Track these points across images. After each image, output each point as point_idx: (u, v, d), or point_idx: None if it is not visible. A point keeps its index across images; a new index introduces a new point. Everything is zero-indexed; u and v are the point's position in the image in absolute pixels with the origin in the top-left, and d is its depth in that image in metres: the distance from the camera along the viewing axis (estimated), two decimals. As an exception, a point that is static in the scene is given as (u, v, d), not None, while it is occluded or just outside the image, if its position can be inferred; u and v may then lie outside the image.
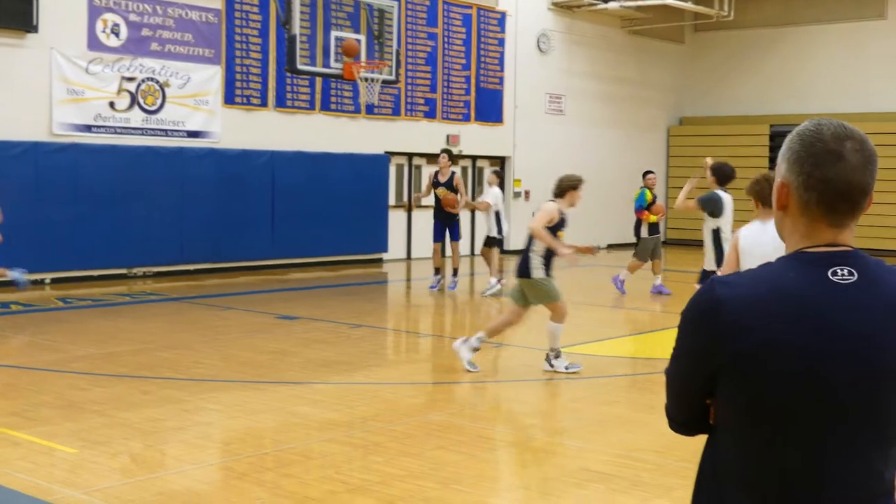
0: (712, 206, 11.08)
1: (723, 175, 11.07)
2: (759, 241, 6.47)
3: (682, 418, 2.37)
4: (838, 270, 2.15)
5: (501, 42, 24.72)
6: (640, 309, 15.75)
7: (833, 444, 2.14)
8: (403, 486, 6.48)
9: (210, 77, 19.12)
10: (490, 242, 17.03)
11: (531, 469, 7.16)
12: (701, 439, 2.37)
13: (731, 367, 2.15)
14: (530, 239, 9.96)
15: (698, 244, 13.51)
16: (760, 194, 6.75)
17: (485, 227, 17.64)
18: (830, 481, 2.15)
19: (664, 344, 10.98)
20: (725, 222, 11.20)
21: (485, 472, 7.09)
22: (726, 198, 11.22)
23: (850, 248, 2.20)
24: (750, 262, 6.37)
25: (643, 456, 7.32)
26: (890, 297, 2.16)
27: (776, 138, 28.37)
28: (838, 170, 2.16)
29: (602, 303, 16.36)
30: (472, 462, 7.20)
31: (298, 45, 16.69)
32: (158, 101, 18.38)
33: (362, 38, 18.62)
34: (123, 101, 17.91)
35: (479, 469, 7.10)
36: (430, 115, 23.10)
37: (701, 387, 2.25)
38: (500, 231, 16.93)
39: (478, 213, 22.27)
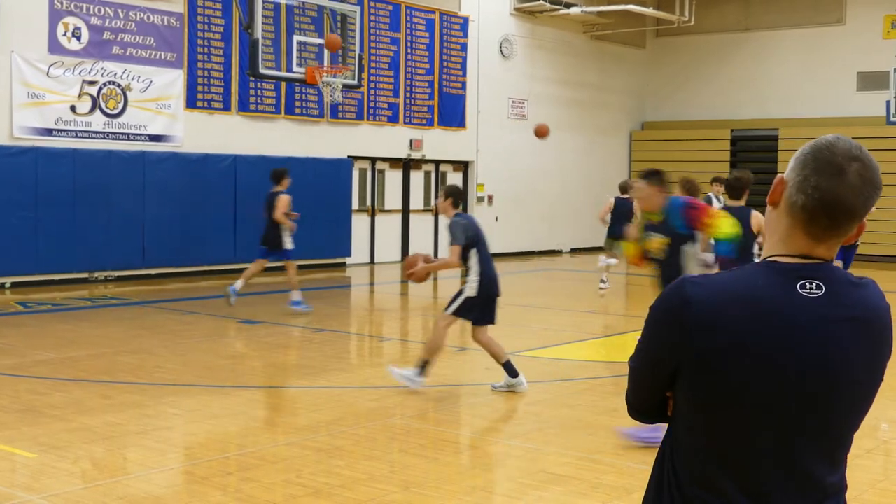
0: None
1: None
2: None
3: (642, 407, 2.44)
4: (807, 284, 2.18)
5: (464, 47, 24.78)
6: (600, 313, 15.84)
7: (788, 448, 2.20)
8: (365, 489, 6.50)
9: (172, 81, 19.04)
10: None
11: (492, 472, 7.21)
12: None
13: (692, 365, 2.20)
14: None
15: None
16: None
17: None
18: (785, 480, 2.21)
19: (626, 348, 11.07)
20: None
21: (446, 476, 7.11)
22: None
23: (821, 262, 2.22)
24: None
25: (603, 458, 7.38)
26: (854, 312, 2.20)
27: (737, 142, 28.65)
28: (833, 183, 2.16)
29: (564, 306, 16.43)
30: (433, 465, 7.23)
31: (261, 49, 16.64)
32: (120, 105, 18.29)
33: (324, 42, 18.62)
34: (85, 105, 17.81)
35: (441, 472, 7.13)
36: (393, 119, 23.12)
37: (662, 380, 2.30)
38: None
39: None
